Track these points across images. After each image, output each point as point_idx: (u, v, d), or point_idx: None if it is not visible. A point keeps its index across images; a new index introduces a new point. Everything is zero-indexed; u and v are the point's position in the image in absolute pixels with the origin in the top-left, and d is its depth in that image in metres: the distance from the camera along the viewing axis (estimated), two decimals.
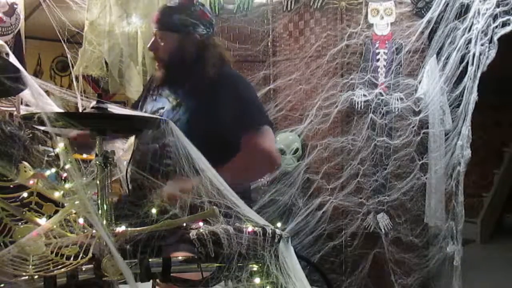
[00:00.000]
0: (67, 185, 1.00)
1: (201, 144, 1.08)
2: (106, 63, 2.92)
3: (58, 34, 2.75)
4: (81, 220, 0.95)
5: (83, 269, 0.91)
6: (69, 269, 0.89)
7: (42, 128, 1.42)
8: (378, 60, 2.94)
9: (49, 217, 0.95)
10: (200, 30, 1.69)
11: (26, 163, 1.04)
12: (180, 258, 1.02)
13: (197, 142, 1.08)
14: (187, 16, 1.66)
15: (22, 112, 2.18)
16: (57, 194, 0.98)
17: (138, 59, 2.89)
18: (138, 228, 0.99)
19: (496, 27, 2.35)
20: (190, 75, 1.66)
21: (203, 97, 1.62)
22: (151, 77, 1.91)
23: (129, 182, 1.42)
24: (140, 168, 1.38)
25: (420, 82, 2.79)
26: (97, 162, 1.01)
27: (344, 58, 3.03)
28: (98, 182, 1.01)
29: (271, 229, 1.03)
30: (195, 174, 1.04)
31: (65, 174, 1.10)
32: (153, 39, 1.71)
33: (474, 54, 2.42)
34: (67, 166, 0.96)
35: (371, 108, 2.91)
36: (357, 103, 2.94)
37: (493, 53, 2.36)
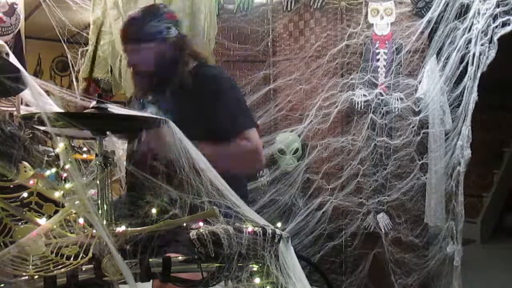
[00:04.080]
0: (67, 185, 1.00)
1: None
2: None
3: (58, 34, 2.74)
4: (81, 220, 0.95)
5: (83, 269, 0.91)
6: (69, 269, 0.89)
7: (42, 128, 1.42)
8: (378, 60, 2.94)
9: (49, 217, 0.95)
10: (173, 32, 1.66)
11: (26, 163, 1.04)
12: (180, 258, 1.02)
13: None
14: (158, 22, 1.63)
15: (22, 112, 2.18)
16: (57, 194, 0.98)
17: None
18: (138, 228, 0.99)
19: (496, 27, 2.35)
20: (173, 80, 1.63)
21: (186, 100, 1.60)
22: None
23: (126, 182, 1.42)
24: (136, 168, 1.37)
25: (420, 82, 2.79)
26: (97, 162, 1.01)
27: (344, 58, 3.03)
28: (98, 182, 1.01)
29: (271, 229, 1.03)
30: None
31: (65, 174, 1.10)
32: (129, 55, 1.66)
33: (474, 54, 2.42)
34: (67, 166, 0.96)
35: (371, 108, 2.91)
36: (357, 103, 2.94)
37: (493, 53, 2.36)
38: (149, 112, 1.67)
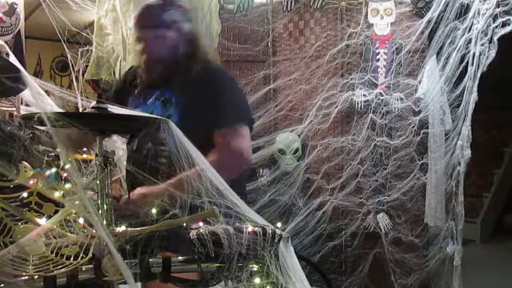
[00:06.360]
0: (67, 185, 1.00)
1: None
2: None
3: (58, 34, 2.75)
4: (81, 220, 0.95)
5: (83, 269, 0.91)
6: (69, 269, 0.89)
7: (42, 128, 1.42)
8: (378, 60, 2.94)
9: (49, 217, 0.95)
10: (188, 25, 1.68)
11: (26, 163, 1.04)
12: (180, 258, 1.02)
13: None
14: (175, 12, 1.65)
15: (22, 112, 2.18)
16: (57, 194, 0.98)
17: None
18: (138, 228, 0.99)
19: (496, 27, 2.35)
20: (182, 72, 1.63)
21: (190, 94, 1.60)
22: (131, 70, 1.83)
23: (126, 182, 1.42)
24: (136, 167, 1.37)
25: (420, 82, 2.79)
26: (97, 162, 1.01)
27: (344, 58, 3.03)
28: (98, 182, 1.01)
29: (271, 229, 1.03)
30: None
31: (65, 174, 1.10)
32: (144, 41, 1.65)
33: (474, 54, 2.42)
34: (67, 166, 0.96)
35: (371, 108, 2.91)
36: (357, 103, 2.94)
37: (493, 53, 2.36)
38: (152, 108, 1.67)
